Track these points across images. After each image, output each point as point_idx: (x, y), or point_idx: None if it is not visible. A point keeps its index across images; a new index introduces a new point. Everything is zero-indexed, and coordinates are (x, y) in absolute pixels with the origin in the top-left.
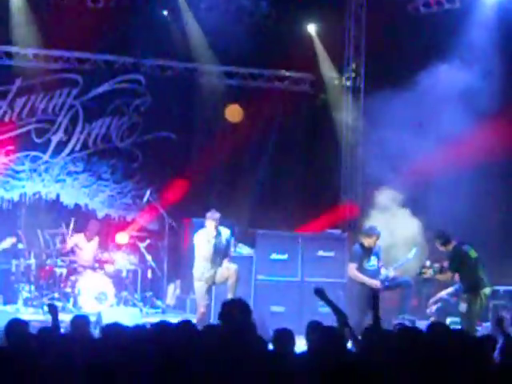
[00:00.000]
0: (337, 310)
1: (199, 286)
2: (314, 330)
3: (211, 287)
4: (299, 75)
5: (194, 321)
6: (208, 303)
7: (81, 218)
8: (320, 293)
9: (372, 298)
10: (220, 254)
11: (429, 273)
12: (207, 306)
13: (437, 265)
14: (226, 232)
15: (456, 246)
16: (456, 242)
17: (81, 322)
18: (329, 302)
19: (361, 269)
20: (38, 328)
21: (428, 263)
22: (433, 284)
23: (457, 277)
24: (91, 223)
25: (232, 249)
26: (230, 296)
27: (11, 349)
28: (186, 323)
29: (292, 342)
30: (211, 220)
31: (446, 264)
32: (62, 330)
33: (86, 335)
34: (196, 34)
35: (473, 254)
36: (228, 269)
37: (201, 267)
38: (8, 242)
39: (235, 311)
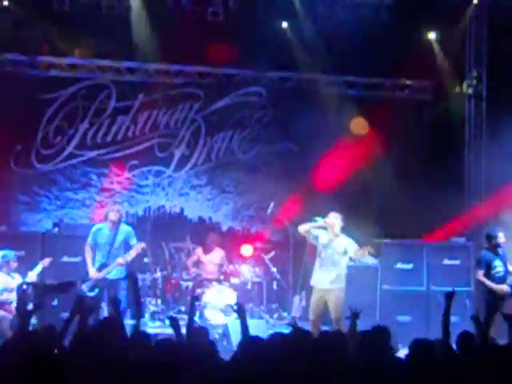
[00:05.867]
0: None
1: None
2: None
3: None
4: (420, 83)
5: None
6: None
7: (205, 231)
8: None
9: (474, 320)
10: None
11: None
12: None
13: None
14: None
15: None
16: None
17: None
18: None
19: (488, 275)
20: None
21: None
22: None
23: None
24: (209, 236)
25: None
26: None
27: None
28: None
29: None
30: None
31: None
32: None
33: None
34: (315, 44)
35: None
36: None
37: None
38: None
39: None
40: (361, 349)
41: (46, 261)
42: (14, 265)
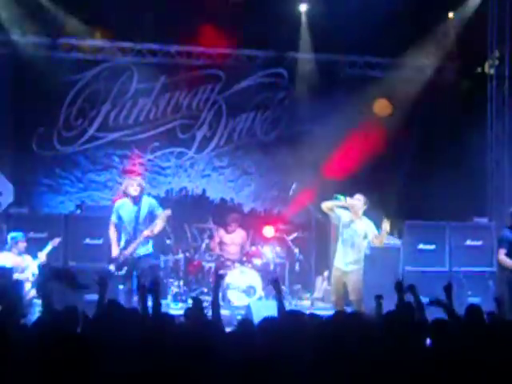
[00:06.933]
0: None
1: None
2: None
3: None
4: (442, 64)
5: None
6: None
7: (227, 212)
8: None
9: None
10: None
11: None
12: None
13: None
14: None
15: None
16: None
17: None
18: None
19: (510, 255)
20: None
21: None
22: None
23: None
24: (231, 217)
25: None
26: None
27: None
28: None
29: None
30: None
31: None
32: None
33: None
34: (336, 24)
35: None
36: None
37: None
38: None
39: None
40: (386, 328)
41: (56, 240)
42: (23, 245)
